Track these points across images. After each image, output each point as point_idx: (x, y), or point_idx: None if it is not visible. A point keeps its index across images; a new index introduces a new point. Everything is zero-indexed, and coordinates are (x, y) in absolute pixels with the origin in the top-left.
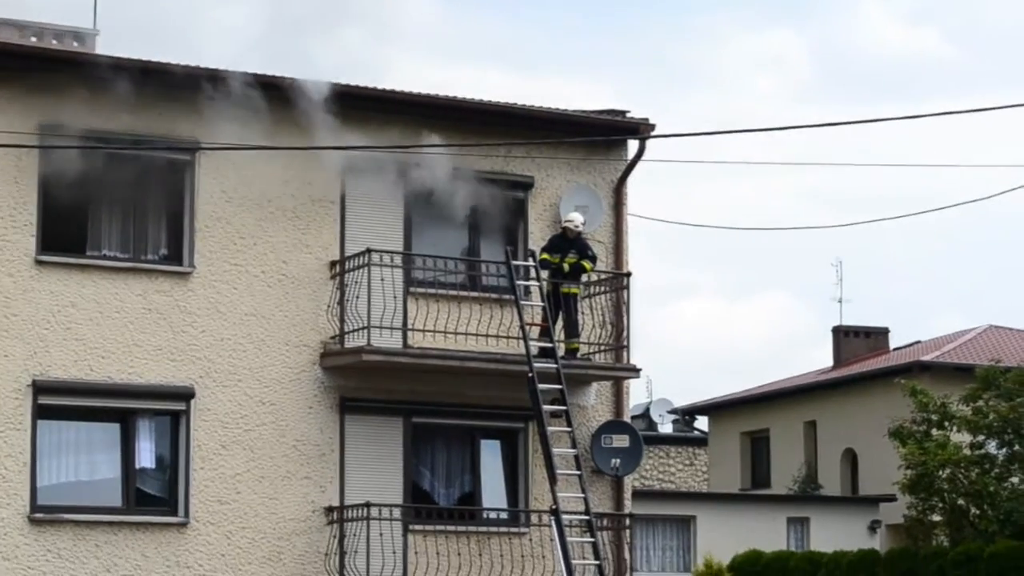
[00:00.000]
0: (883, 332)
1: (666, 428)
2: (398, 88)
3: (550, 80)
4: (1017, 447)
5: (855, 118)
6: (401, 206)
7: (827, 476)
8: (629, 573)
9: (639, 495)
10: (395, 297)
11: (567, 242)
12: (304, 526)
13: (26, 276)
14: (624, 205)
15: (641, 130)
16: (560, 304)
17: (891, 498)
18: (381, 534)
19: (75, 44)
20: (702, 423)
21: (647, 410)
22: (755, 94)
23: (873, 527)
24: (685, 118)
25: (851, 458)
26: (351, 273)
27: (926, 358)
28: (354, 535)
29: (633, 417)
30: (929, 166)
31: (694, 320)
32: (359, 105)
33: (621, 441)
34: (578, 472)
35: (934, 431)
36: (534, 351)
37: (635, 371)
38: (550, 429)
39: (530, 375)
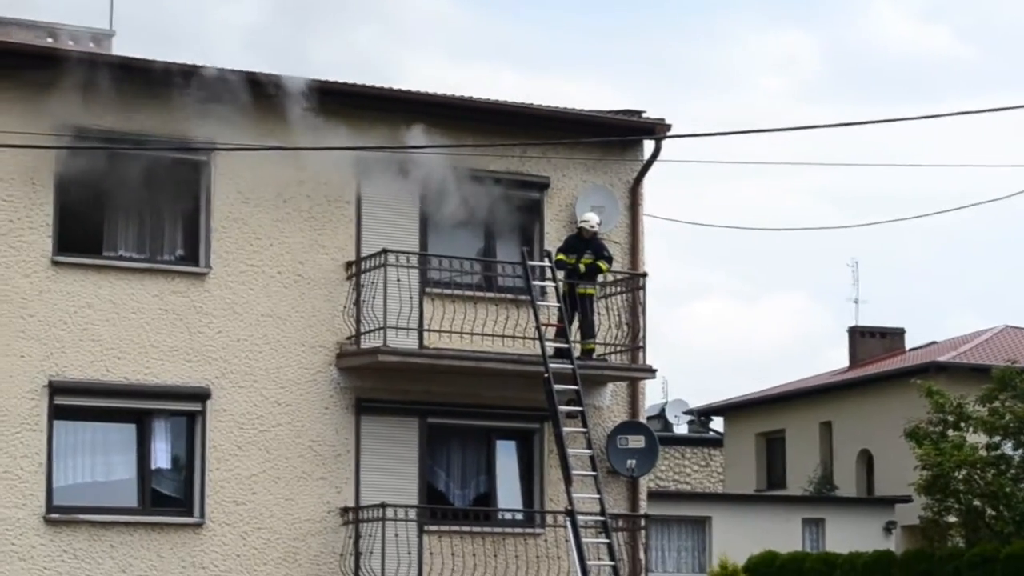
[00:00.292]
0: (899, 332)
1: (681, 429)
2: (414, 89)
3: (558, 81)
4: None
5: (867, 118)
6: (417, 206)
7: (843, 477)
8: (644, 574)
9: (654, 496)
10: (411, 297)
11: (583, 242)
12: (319, 527)
13: (42, 277)
14: (640, 205)
15: (657, 130)
16: (576, 305)
17: (907, 499)
18: (396, 535)
19: (91, 45)
20: (717, 424)
21: (663, 411)
22: (765, 94)
23: (889, 528)
24: (695, 119)
25: (867, 459)
26: (367, 274)
27: (942, 359)
28: (369, 536)
29: (649, 418)
30: (944, 166)
31: (710, 320)
32: (374, 106)
33: (637, 442)
34: (593, 473)
35: (950, 432)
36: (550, 352)
37: (651, 372)
38: (566, 430)
39: (546, 376)
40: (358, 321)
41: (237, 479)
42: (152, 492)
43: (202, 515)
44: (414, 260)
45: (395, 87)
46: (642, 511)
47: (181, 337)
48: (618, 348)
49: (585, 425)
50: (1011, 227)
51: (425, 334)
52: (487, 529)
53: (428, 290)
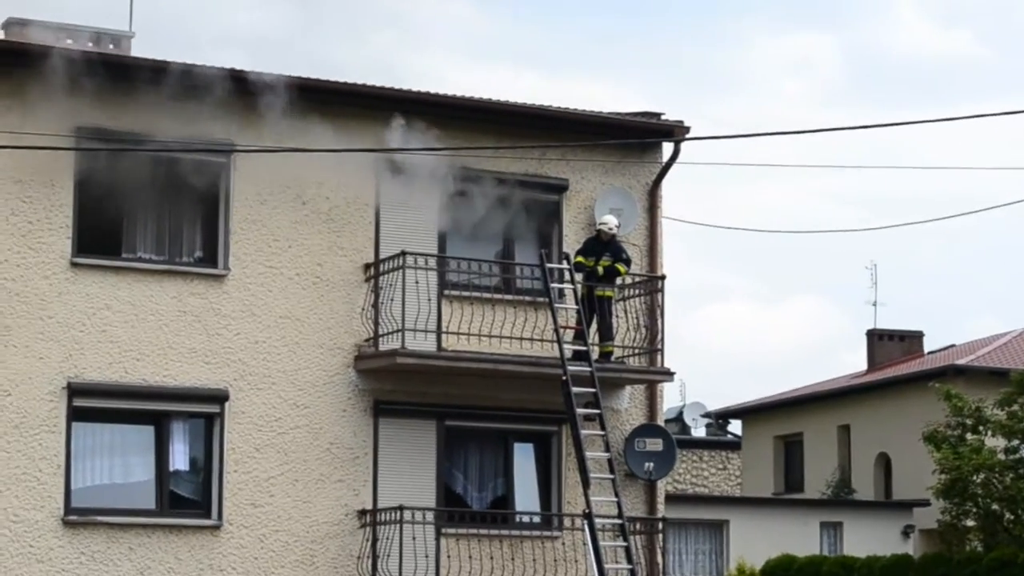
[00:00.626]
0: (917, 336)
1: (699, 432)
2: (432, 91)
3: (578, 83)
4: None
5: (887, 121)
6: (436, 208)
7: (860, 480)
8: None
9: (672, 499)
10: (429, 300)
11: (601, 245)
12: (337, 529)
13: (61, 278)
14: (658, 208)
15: (676, 133)
16: (594, 307)
17: (925, 503)
18: (414, 537)
19: (111, 47)
20: (735, 427)
21: (680, 414)
22: (785, 97)
23: (907, 532)
24: (714, 121)
25: (885, 462)
26: (385, 276)
27: (960, 362)
28: (387, 538)
29: (666, 421)
30: (963, 168)
31: (728, 323)
32: (394, 108)
33: (655, 445)
34: (611, 476)
35: (968, 435)
36: (568, 354)
37: (669, 374)
38: (583, 433)
39: (564, 378)
40: (376, 323)
41: (255, 481)
42: (170, 494)
43: (220, 517)
44: (432, 262)
45: (411, 88)
46: (660, 514)
47: (199, 339)
48: (636, 351)
49: (603, 428)
50: None
51: (443, 336)
52: (504, 532)
53: (446, 292)
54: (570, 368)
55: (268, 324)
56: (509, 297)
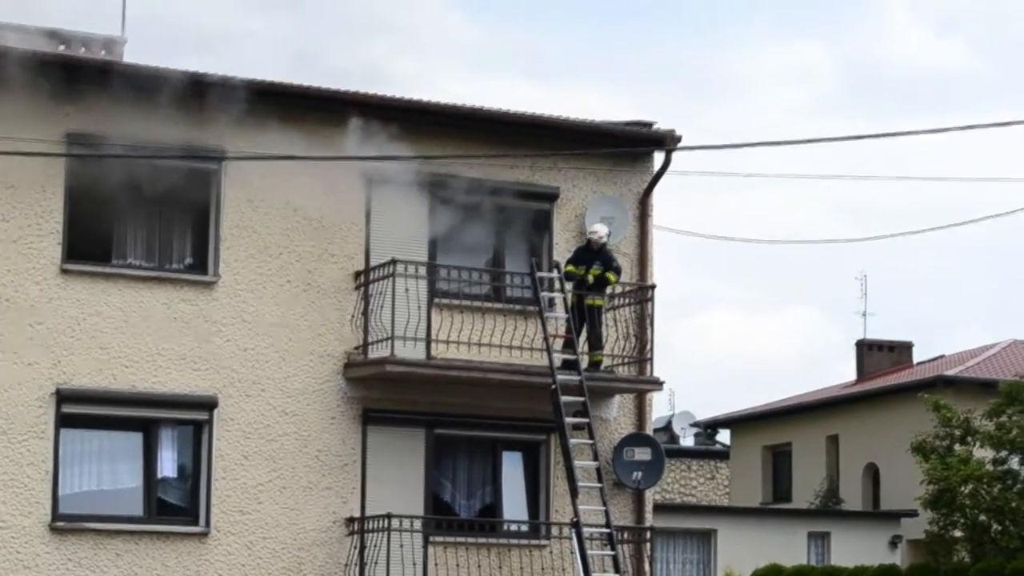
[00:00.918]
0: (907, 346)
1: (688, 441)
2: (424, 99)
3: (573, 91)
4: None
5: (881, 131)
6: (426, 217)
7: (849, 491)
8: None
9: (660, 508)
10: (419, 308)
11: (591, 254)
12: (325, 537)
13: (51, 284)
14: (650, 217)
15: (667, 142)
16: (584, 316)
17: (913, 513)
18: (402, 545)
19: (103, 52)
20: (724, 436)
21: (669, 423)
22: (781, 106)
23: (894, 542)
24: (709, 130)
25: (873, 473)
26: (375, 283)
27: (949, 373)
28: (375, 546)
29: (655, 430)
30: (954, 179)
31: (717, 332)
32: (387, 117)
33: (643, 454)
34: (599, 485)
35: (957, 446)
36: (557, 363)
37: (658, 384)
38: (572, 441)
39: (553, 387)
40: (366, 331)
41: (243, 488)
42: (158, 501)
43: (208, 524)
44: (423, 270)
45: (406, 96)
46: (648, 523)
47: (189, 346)
48: (626, 360)
49: (592, 437)
50: (1020, 241)
51: (433, 345)
52: (492, 540)
53: (436, 300)
54: (559, 377)
55: (258, 331)
56: (499, 306)
